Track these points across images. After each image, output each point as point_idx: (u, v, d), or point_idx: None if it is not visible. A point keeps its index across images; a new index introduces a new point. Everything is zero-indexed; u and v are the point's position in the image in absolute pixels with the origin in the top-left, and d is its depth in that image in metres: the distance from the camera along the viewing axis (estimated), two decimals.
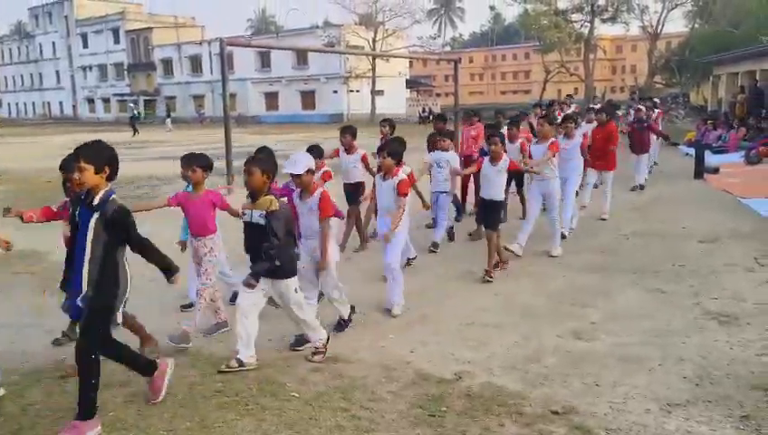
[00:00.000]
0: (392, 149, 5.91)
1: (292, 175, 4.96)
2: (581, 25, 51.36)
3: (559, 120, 9.26)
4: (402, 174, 5.86)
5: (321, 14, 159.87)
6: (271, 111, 56.07)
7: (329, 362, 4.62)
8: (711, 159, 15.60)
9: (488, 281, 6.57)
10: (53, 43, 75.88)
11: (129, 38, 67.13)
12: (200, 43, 62.00)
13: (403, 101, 51.84)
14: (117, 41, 68.37)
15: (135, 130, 38.53)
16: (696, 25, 48.00)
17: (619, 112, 13.99)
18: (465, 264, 7.25)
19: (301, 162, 4.94)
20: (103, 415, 3.81)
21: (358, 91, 52.53)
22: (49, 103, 78.51)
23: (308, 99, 55.39)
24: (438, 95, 62.59)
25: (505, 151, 7.13)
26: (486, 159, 6.98)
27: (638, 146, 12.13)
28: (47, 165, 15.14)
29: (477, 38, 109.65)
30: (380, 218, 6.09)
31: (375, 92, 50.00)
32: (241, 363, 4.47)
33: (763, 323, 5.11)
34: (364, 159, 7.96)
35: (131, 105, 51.55)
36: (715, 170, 14.12)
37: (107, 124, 54.64)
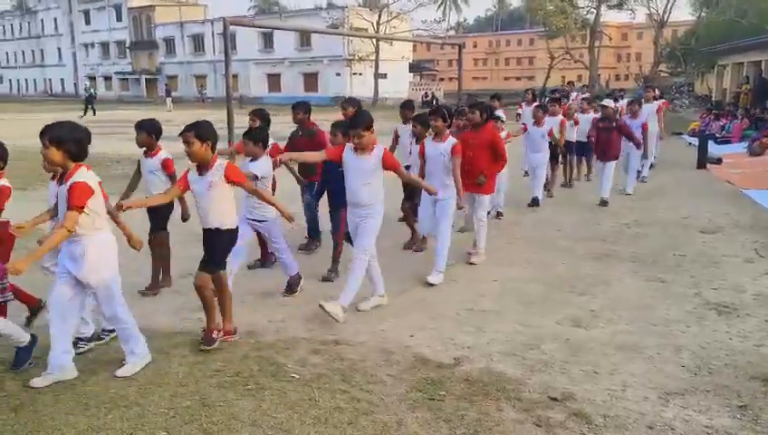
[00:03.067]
0: (54, 134, 3.75)
1: None
2: (588, 11, 51.06)
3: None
4: (80, 176, 3.76)
5: None
6: (273, 93, 55.80)
7: (329, 344, 4.62)
8: (714, 149, 15.59)
9: (204, 349, 4.44)
10: (55, 20, 75.33)
11: (132, 15, 66.64)
12: (203, 23, 61.59)
13: (406, 85, 51.60)
14: (119, 18, 67.85)
15: (88, 110, 35.08)
16: (703, 14, 47.65)
17: (621, 104, 13.56)
18: (463, 247, 7.23)
19: None
20: (104, 392, 3.85)
21: (361, 74, 52.28)
22: (50, 80, 78.07)
23: (311, 81, 55.09)
24: (442, 80, 62.26)
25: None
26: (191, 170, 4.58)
27: (605, 151, 10.01)
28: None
29: (482, 23, 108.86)
30: None
31: (378, 76, 49.74)
32: None
33: (763, 315, 5.13)
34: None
35: (86, 84, 47.87)
36: (718, 161, 14.12)
37: (107, 102, 54.20)
